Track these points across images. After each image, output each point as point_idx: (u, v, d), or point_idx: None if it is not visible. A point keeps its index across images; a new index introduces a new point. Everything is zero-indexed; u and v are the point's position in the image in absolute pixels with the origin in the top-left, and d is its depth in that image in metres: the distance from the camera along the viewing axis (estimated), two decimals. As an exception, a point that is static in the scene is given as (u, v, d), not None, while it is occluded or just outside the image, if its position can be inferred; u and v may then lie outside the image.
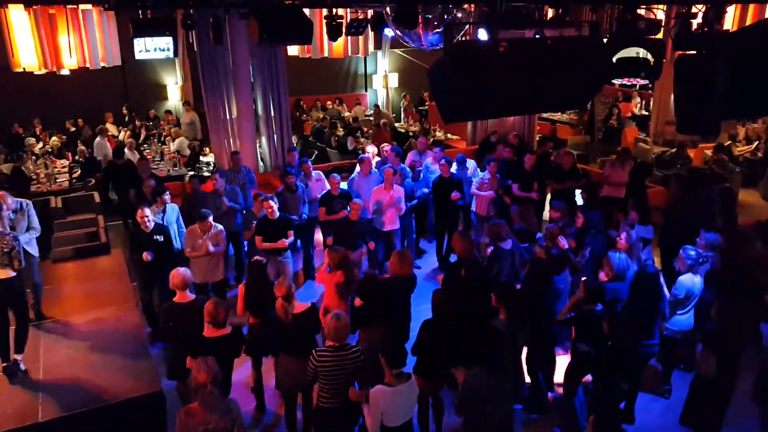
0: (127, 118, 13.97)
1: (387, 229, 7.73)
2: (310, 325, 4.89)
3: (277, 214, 6.80)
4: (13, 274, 5.06)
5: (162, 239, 6.41)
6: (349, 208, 7.29)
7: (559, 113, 15.41)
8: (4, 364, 5.19)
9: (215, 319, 4.48)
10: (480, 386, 4.06)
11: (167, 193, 7.14)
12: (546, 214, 8.85)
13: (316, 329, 4.96)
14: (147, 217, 6.30)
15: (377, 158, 9.46)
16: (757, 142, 11.88)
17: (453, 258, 7.56)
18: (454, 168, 8.43)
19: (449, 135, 13.84)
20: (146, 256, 6.22)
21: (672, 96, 12.95)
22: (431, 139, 13.10)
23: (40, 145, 12.19)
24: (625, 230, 6.07)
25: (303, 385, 4.82)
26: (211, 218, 6.45)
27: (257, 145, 10.68)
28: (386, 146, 9.63)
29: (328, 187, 7.84)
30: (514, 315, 4.70)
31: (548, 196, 8.79)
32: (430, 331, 4.79)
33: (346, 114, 15.89)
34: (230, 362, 4.71)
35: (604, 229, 6.68)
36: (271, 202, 6.76)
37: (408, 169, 8.59)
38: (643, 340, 5.08)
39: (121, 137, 13.04)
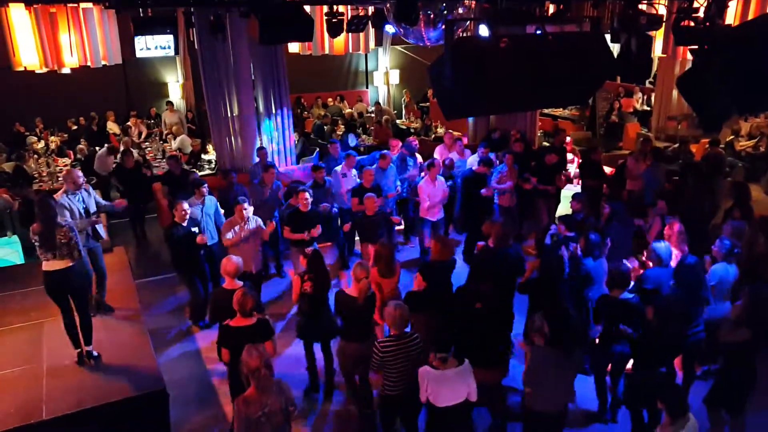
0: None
1: (436, 219, 8.05)
2: (370, 309, 5.10)
3: (310, 206, 6.95)
4: (72, 264, 5.08)
5: (198, 232, 6.55)
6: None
7: (561, 109, 15.37)
8: (78, 351, 5.26)
9: (242, 308, 4.55)
10: (544, 362, 4.32)
11: (206, 185, 7.21)
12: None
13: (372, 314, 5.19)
14: (186, 211, 6.43)
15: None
16: (759, 137, 11.85)
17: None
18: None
19: (450, 131, 13.80)
20: (201, 238, 6.47)
21: (674, 91, 12.91)
22: (432, 136, 13.11)
23: (42, 143, 12.19)
24: (668, 222, 6.23)
25: (362, 367, 5.04)
26: (247, 204, 6.54)
27: (259, 142, 10.67)
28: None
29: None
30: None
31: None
32: (474, 320, 4.90)
33: (347, 111, 15.88)
34: None
35: (626, 220, 6.82)
36: (306, 194, 6.91)
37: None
38: (689, 329, 5.13)
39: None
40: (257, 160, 9.32)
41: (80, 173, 6.03)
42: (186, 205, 6.50)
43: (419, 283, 5.32)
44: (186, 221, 6.45)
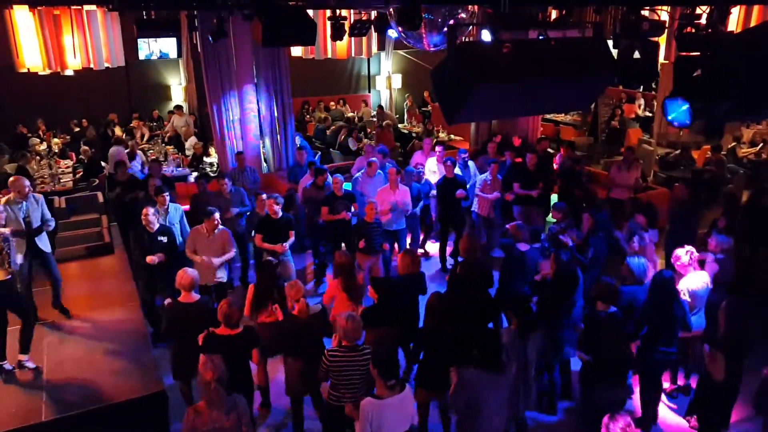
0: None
1: (393, 229, 7.72)
2: (318, 327, 4.94)
3: (280, 214, 6.82)
4: (9, 276, 5.01)
5: (166, 240, 6.39)
6: (352, 209, 7.37)
7: (563, 114, 15.38)
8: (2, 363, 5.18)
9: (229, 320, 4.50)
10: (475, 386, 4.07)
11: (167, 193, 7.08)
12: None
13: (324, 332, 5.01)
14: (150, 217, 6.28)
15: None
16: (761, 144, 11.85)
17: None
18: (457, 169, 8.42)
19: (452, 136, 13.83)
20: (151, 258, 6.19)
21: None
22: (434, 140, 13.10)
23: (44, 145, 12.21)
24: (637, 234, 6.06)
25: (311, 386, 4.88)
26: (217, 215, 6.41)
27: (261, 145, 10.69)
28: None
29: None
30: (525, 327, 4.62)
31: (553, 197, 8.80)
32: (427, 339, 4.77)
33: (350, 114, 15.92)
34: (245, 361, 4.66)
35: (609, 231, 6.66)
36: (273, 201, 6.77)
37: (414, 170, 8.65)
38: (660, 346, 4.95)
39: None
40: (236, 164, 9.22)
41: (27, 182, 5.80)
42: (151, 211, 6.32)
43: (371, 295, 5.21)
44: (154, 229, 6.28)
